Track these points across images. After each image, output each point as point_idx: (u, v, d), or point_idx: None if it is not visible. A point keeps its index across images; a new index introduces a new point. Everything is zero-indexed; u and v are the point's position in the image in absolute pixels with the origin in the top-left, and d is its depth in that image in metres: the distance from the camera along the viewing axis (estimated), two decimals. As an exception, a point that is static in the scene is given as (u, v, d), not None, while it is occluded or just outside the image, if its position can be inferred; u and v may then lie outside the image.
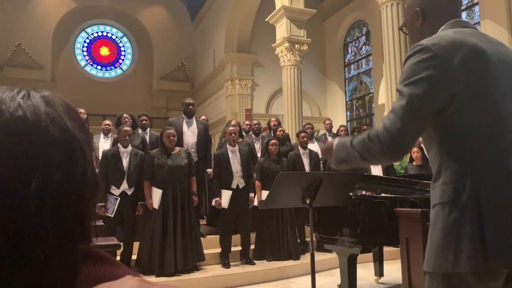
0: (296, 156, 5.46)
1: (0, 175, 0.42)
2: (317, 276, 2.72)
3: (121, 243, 3.40)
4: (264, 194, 4.86)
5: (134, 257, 4.43)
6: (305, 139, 5.58)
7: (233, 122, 5.95)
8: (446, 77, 1.14)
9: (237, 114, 11.37)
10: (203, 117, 6.64)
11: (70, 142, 0.47)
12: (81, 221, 0.47)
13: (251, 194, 4.91)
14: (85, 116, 5.31)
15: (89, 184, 0.48)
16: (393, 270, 4.53)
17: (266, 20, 9.54)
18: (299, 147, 5.56)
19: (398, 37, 7.06)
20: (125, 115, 5.39)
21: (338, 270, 3.30)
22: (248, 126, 6.49)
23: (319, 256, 4.72)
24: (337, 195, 2.26)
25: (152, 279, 4.14)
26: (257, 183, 4.99)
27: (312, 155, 5.55)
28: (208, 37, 13.97)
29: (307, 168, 5.45)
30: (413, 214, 2.62)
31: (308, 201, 2.01)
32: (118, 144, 4.56)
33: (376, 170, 5.20)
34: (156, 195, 4.32)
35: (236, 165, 4.83)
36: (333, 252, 4.29)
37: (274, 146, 5.06)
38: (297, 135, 5.98)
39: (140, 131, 5.47)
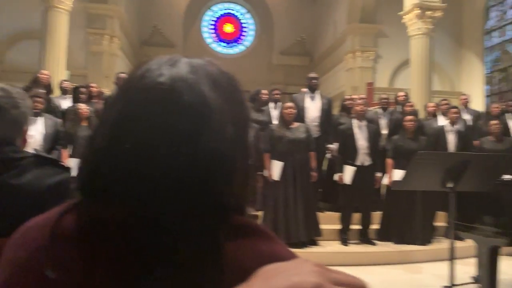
0: (440, 132, 5.02)
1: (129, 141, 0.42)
2: (448, 264, 2.51)
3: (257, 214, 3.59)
4: (396, 173, 4.61)
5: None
6: (456, 114, 5.09)
7: (361, 96, 5.75)
8: None
9: (357, 88, 10.93)
10: None
11: (201, 110, 0.44)
12: (215, 194, 0.43)
13: (378, 174, 4.69)
14: None
15: (219, 157, 0.43)
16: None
17: (394, -14, 8.85)
18: (446, 122, 5.11)
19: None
20: (264, 91, 5.66)
21: (471, 260, 2.99)
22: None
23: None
24: (486, 179, 2.00)
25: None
26: (389, 161, 4.74)
27: (461, 133, 5.04)
28: (329, 9, 13.57)
29: (451, 146, 4.96)
30: None
31: (450, 185, 1.82)
32: None
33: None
34: (276, 167, 4.41)
35: (362, 141, 4.65)
36: (465, 239, 3.90)
37: (411, 122, 4.72)
38: (448, 109, 5.45)
39: (271, 105, 5.63)
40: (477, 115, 6.31)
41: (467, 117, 6.05)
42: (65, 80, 6.28)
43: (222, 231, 0.42)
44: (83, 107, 4.68)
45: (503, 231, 2.57)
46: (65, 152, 4.42)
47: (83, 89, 5.42)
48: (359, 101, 4.81)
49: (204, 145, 0.43)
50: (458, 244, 4.48)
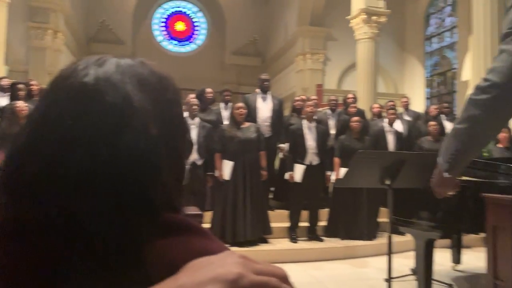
0: (380, 133, 5.25)
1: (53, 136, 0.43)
2: (387, 258, 2.64)
3: (202, 213, 3.55)
4: (343, 172, 4.78)
5: (205, 226, 4.63)
6: (393, 115, 5.34)
7: (311, 97, 5.92)
8: None
9: (307, 90, 11.17)
10: None
11: (124, 110, 0.44)
12: (137, 193, 0.43)
13: (328, 173, 4.85)
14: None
15: (141, 156, 0.43)
16: (472, 258, 4.26)
17: (342, -9, 9.14)
18: (386, 123, 5.34)
19: (490, 6, 6.40)
20: (208, 89, 5.63)
21: (411, 253, 3.17)
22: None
23: (392, 238, 4.60)
24: (420, 176, 2.13)
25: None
26: (336, 160, 4.90)
27: (399, 133, 5.31)
28: (280, 11, 13.76)
29: (391, 146, 5.22)
30: (503, 201, 2.42)
31: (388, 182, 1.93)
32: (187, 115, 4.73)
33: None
34: (227, 167, 4.43)
35: (311, 141, 4.78)
36: (406, 234, 4.11)
37: (357, 123, 4.91)
38: (387, 110, 5.70)
39: (222, 105, 5.64)
40: (416, 116, 6.68)
41: (407, 118, 6.39)
42: (3, 77, 5.93)
43: (146, 228, 0.42)
44: (21, 105, 4.44)
45: (437, 225, 2.75)
46: (1, 153, 4.16)
47: (21, 86, 5.15)
48: (310, 103, 4.94)
49: (125, 144, 0.43)
50: (399, 238, 4.76)
